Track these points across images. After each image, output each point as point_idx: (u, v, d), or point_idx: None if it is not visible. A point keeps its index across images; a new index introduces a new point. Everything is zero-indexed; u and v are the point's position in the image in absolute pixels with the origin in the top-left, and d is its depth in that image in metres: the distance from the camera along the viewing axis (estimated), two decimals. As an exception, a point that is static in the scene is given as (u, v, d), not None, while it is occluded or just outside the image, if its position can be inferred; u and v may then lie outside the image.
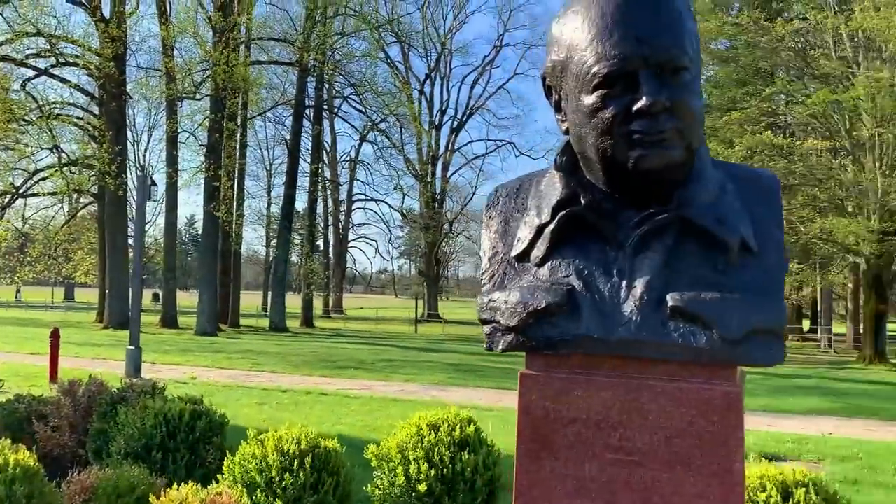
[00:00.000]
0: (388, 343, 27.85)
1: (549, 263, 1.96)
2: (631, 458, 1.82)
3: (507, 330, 1.93)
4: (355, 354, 21.48)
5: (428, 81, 53.78)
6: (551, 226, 1.95)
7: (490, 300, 1.99)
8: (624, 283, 1.85)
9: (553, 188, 2.00)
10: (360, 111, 37.81)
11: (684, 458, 1.77)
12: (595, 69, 1.76)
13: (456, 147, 54.82)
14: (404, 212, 53.50)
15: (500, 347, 1.96)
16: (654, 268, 1.83)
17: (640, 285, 1.83)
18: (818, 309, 35.73)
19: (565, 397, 1.90)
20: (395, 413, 10.23)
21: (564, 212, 1.93)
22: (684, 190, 1.86)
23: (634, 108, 1.72)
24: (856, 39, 22.26)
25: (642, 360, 1.84)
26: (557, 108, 1.97)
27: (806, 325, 39.91)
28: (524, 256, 2.02)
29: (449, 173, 54.74)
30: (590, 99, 1.79)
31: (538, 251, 1.98)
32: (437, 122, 53.43)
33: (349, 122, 44.07)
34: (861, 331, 34.18)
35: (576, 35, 1.82)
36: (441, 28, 53.01)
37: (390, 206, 51.34)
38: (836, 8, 22.90)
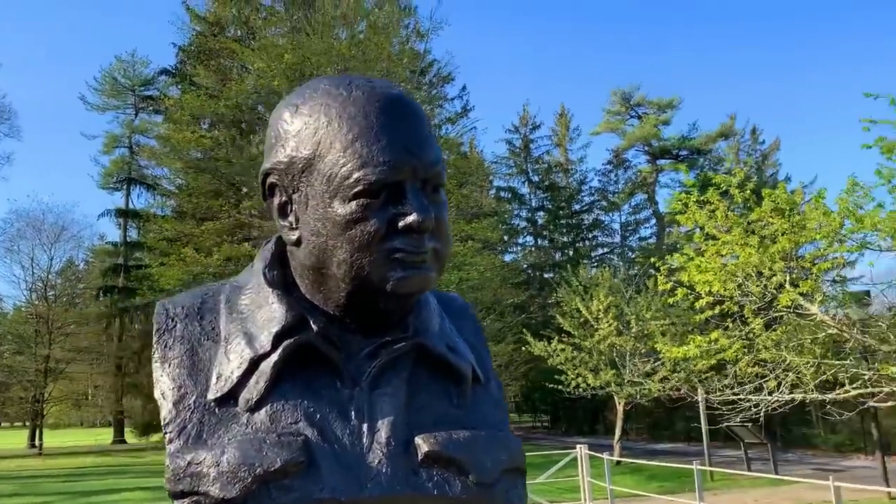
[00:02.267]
0: None
1: (268, 407, 1.52)
2: None
3: (221, 503, 1.42)
4: None
5: None
6: (273, 358, 1.52)
7: (189, 463, 1.43)
8: (365, 426, 1.53)
9: (266, 309, 1.59)
10: None
11: None
12: (358, 175, 1.47)
13: None
14: None
15: (208, 530, 1.42)
16: (396, 406, 1.57)
17: (383, 428, 1.54)
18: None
19: (301, 587, 1.46)
20: None
21: (291, 340, 1.54)
22: (416, 316, 1.68)
23: (401, 223, 1.48)
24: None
25: (390, 519, 1.53)
26: (283, 212, 1.60)
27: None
28: (229, 399, 1.53)
29: None
30: (346, 208, 1.48)
31: (251, 392, 1.52)
32: None
33: None
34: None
35: (329, 131, 1.51)
36: None
37: None
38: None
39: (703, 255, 10.28)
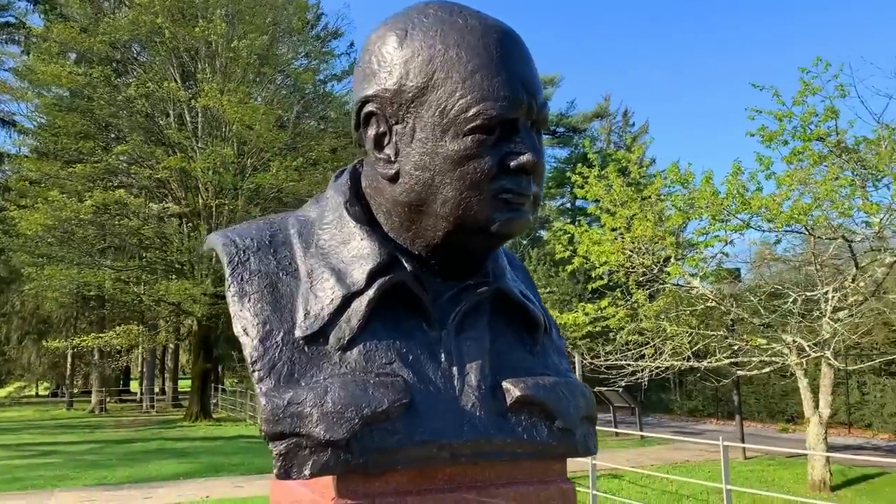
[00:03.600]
0: None
1: (361, 346, 1.45)
2: None
3: (323, 445, 1.33)
4: None
5: None
6: (367, 295, 1.45)
7: (289, 403, 1.35)
8: (455, 369, 1.50)
9: (353, 245, 1.51)
10: None
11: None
12: (477, 108, 1.39)
13: None
14: None
15: (309, 472, 1.34)
16: (481, 350, 1.54)
17: (472, 372, 1.51)
18: (141, 369, 36.24)
19: (396, 531, 1.41)
20: None
21: (385, 278, 1.47)
22: (494, 262, 1.64)
23: (512, 163, 1.43)
24: (199, 115, 23.91)
25: (478, 463, 1.51)
26: (378, 144, 1.50)
27: (134, 385, 40.09)
28: (318, 337, 1.45)
29: None
30: (459, 143, 1.41)
31: (342, 330, 1.44)
32: None
33: None
34: (177, 389, 36.04)
35: (446, 60, 1.42)
36: None
37: None
38: (180, 83, 24.24)
39: (595, 228, 10.74)
